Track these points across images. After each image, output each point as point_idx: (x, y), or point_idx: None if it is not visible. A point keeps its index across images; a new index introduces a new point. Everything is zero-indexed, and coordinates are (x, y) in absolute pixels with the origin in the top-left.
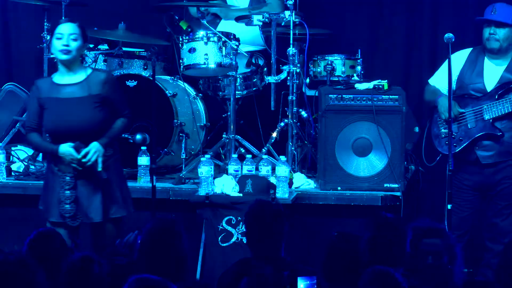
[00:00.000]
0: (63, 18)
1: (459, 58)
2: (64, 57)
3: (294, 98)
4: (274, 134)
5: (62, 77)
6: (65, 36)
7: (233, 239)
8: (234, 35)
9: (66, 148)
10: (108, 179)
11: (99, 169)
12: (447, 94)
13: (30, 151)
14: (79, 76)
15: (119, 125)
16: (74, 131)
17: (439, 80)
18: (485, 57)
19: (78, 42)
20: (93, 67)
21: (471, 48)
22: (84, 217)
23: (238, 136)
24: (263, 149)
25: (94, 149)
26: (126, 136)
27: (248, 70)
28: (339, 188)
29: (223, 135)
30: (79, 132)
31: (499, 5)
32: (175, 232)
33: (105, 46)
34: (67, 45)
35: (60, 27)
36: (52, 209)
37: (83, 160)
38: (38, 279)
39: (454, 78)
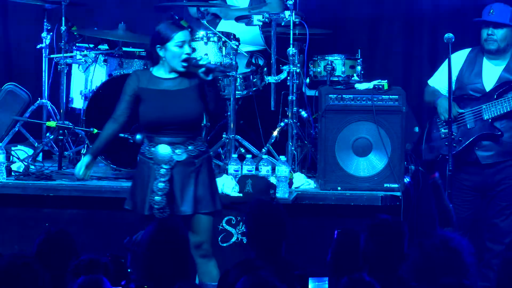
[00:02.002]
0: (175, 21)
1: (458, 58)
2: (183, 69)
3: (294, 98)
4: (275, 133)
5: (164, 72)
6: (186, 45)
7: (233, 239)
8: (234, 35)
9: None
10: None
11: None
12: (447, 94)
13: (30, 151)
14: (177, 73)
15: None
16: (175, 122)
17: (438, 81)
18: (484, 57)
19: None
20: (94, 67)
21: (470, 48)
22: (175, 209)
23: (238, 136)
24: (263, 149)
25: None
26: (126, 136)
27: (248, 70)
28: (339, 188)
29: (223, 135)
30: (180, 123)
31: (496, 5)
32: (178, 232)
33: (105, 46)
34: (189, 53)
35: (181, 34)
36: (146, 201)
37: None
38: (44, 284)
39: (453, 78)
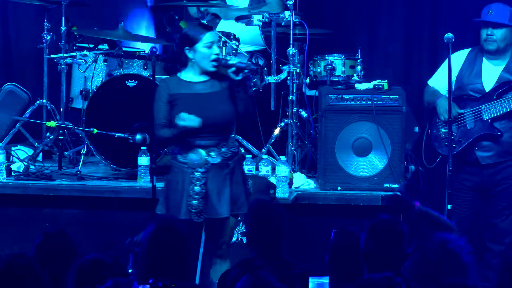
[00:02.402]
0: (202, 25)
1: (458, 58)
2: (214, 69)
3: (294, 98)
4: (277, 131)
5: (193, 75)
6: (215, 45)
7: (233, 239)
8: (234, 35)
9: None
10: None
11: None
12: (446, 95)
13: (30, 151)
14: (207, 75)
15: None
16: (208, 126)
17: (438, 81)
18: (484, 58)
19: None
20: (94, 67)
21: (470, 49)
22: (213, 212)
23: (238, 136)
24: (263, 149)
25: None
26: (126, 136)
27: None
28: (339, 188)
29: None
30: (214, 126)
31: (495, 5)
32: (178, 231)
33: (105, 46)
34: (218, 54)
35: (209, 35)
36: (182, 206)
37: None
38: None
39: (453, 79)
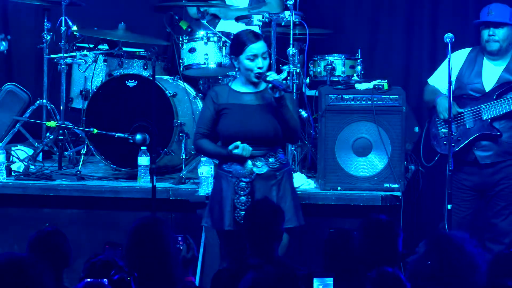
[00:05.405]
0: (249, 34)
1: (458, 58)
2: (257, 80)
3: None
4: None
5: (242, 86)
6: (259, 58)
7: None
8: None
9: (235, 145)
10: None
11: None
12: (446, 94)
13: (30, 151)
14: (259, 86)
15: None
16: (255, 137)
17: (438, 80)
18: (484, 58)
19: (267, 60)
20: (94, 67)
21: (470, 48)
22: None
23: None
24: None
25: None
26: (126, 136)
27: None
28: (339, 188)
29: None
30: (260, 137)
31: (494, 5)
32: (157, 230)
33: (105, 46)
34: (261, 68)
35: (252, 47)
36: (225, 217)
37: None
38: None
39: (453, 78)
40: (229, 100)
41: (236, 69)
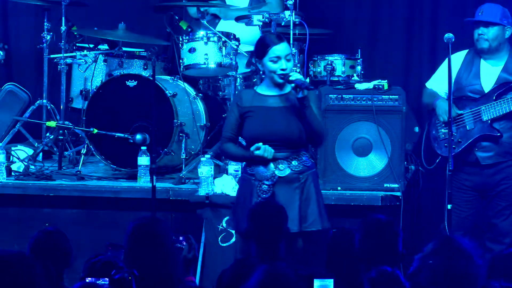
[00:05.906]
0: (272, 36)
1: (456, 60)
2: (281, 81)
3: None
4: None
5: (266, 89)
6: (282, 60)
7: (233, 239)
8: (234, 35)
9: (256, 146)
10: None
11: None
12: (445, 96)
13: (30, 151)
14: (284, 89)
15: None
16: (278, 139)
17: (436, 83)
18: (481, 58)
19: (291, 62)
20: (94, 67)
21: (467, 50)
22: None
23: None
24: None
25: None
26: (126, 136)
27: (248, 70)
28: (339, 188)
29: None
30: (283, 140)
31: (486, 5)
32: (154, 229)
33: (105, 46)
34: (285, 69)
35: (275, 49)
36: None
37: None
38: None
39: (452, 80)
40: (253, 103)
41: (261, 72)
